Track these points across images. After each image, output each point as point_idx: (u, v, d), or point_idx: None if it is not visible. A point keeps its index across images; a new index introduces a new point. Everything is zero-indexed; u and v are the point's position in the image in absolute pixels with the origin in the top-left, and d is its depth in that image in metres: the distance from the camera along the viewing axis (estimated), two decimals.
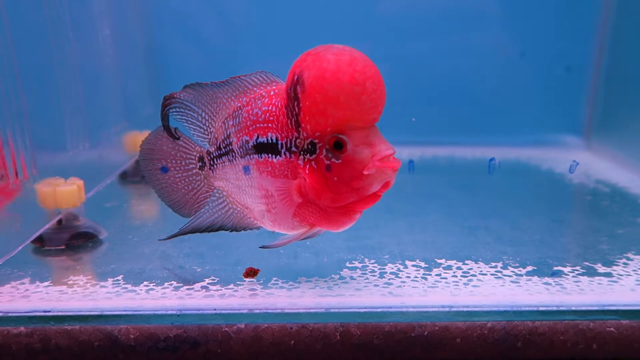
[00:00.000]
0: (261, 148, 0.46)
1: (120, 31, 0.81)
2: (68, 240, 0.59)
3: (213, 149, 0.50)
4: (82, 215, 0.61)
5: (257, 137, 0.46)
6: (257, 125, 0.46)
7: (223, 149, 0.49)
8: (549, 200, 0.78)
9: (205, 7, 1.01)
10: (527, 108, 1.03)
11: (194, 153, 0.52)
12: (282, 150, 0.45)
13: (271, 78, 0.48)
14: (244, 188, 0.49)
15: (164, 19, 1.00)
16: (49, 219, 0.58)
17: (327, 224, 0.48)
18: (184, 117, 0.50)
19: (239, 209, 0.52)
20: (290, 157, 0.45)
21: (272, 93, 0.46)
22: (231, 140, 0.48)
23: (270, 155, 0.46)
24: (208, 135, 0.50)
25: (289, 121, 0.44)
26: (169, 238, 0.54)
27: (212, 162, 0.51)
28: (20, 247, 0.52)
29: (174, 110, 0.50)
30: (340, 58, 0.41)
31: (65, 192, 0.58)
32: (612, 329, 0.46)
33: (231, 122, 0.48)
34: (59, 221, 0.60)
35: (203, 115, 0.50)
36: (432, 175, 0.90)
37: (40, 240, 0.58)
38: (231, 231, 0.53)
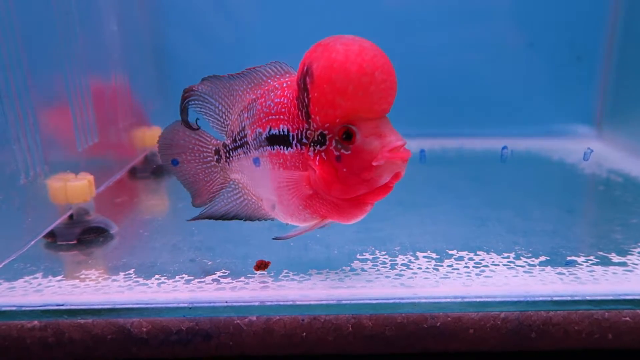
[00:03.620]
0: (273, 140, 0.46)
1: (128, 27, 0.81)
2: (79, 235, 0.59)
3: (229, 141, 0.50)
4: (92, 210, 0.62)
5: (270, 129, 0.46)
6: (270, 117, 0.46)
7: (238, 142, 0.49)
8: (561, 190, 0.77)
9: (213, 2, 1.01)
10: (538, 98, 1.02)
11: (210, 146, 0.52)
12: (294, 142, 0.45)
13: (285, 69, 0.48)
14: (257, 180, 0.50)
15: (171, 15, 1.00)
16: (61, 214, 0.59)
17: (338, 216, 0.48)
18: (202, 110, 0.51)
19: (253, 200, 0.52)
20: (301, 148, 0.44)
21: (284, 85, 0.46)
22: (246, 132, 0.48)
23: (282, 147, 0.46)
24: (225, 127, 0.50)
25: (299, 113, 0.44)
26: (193, 219, 0.54)
27: (228, 155, 0.51)
28: (33, 242, 0.52)
29: (192, 102, 0.50)
30: (349, 48, 0.41)
31: (76, 187, 0.58)
32: (627, 318, 0.45)
33: (246, 115, 0.48)
34: (70, 216, 0.60)
35: (220, 107, 0.50)
36: (441, 166, 0.89)
37: (52, 235, 0.59)
38: (245, 220, 0.53)
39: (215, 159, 0.52)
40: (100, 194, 0.67)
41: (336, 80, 0.40)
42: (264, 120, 0.46)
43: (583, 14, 0.97)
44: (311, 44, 1.19)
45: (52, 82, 0.60)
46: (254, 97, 0.48)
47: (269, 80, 0.48)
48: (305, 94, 0.42)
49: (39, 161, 0.54)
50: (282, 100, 0.45)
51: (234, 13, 1.02)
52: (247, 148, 0.49)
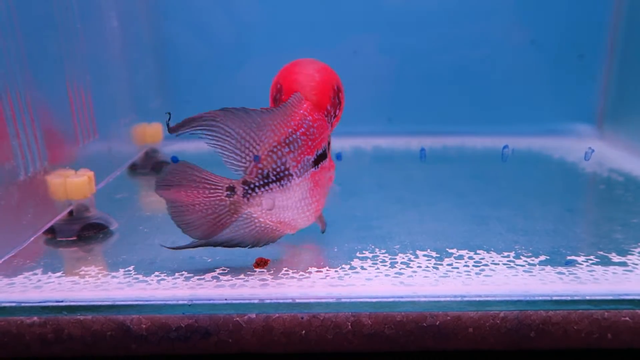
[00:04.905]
0: (318, 160, 0.52)
1: (128, 23, 0.81)
2: (79, 232, 0.59)
3: (255, 178, 0.50)
4: (92, 206, 0.62)
5: (317, 152, 0.52)
6: (315, 141, 0.51)
7: (273, 177, 0.50)
8: (562, 189, 0.77)
9: (212, 1, 1.01)
10: (539, 96, 1.02)
11: (221, 184, 0.50)
12: (328, 152, 0.53)
13: (299, 96, 0.51)
14: (291, 204, 0.51)
15: (171, 11, 1.00)
16: (60, 210, 0.59)
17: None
18: (218, 143, 0.49)
19: (269, 226, 0.52)
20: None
21: (309, 109, 0.51)
22: (288, 165, 0.50)
23: (323, 161, 0.53)
24: (245, 163, 0.49)
25: (329, 125, 0.53)
26: (176, 249, 0.53)
27: (249, 191, 0.50)
28: (32, 239, 0.52)
29: (208, 133, 0.48)
30: None
31: (75, 184, 0.58)
32: (627, 318, 0.45)
33: (287, 149, 0.50)
34: (70, 212, 0.60)
35: (244, 143, 0.49)
36: (442, 165, 0.89)
37: (51, 232, 0.59)
38: (249, 247, 0.52)
39: (225, 195, 0.50)
40: (100, 190, 0.67)
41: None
42: (311, 147, 0.51)
43: (585, 12, 0.97)
44: (310, 41, 1.18)
45: (52, 78, 0.60)
46: (290, 130, 0.49)
47: (296, 110, 0.50)
48: (338, 107, 0.54)
49: (38, 157, 0.54)
50: (317, 122, 0.51)
51: (235, 9, 1.02)
52: (286, 180, 0.50)
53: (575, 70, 0.99)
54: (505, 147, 0.53)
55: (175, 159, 0.53)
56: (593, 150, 0.49)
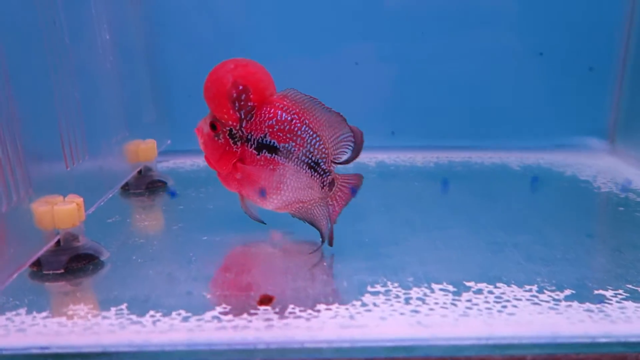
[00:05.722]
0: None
1: (120, 35, 0.77)
2: (67, 263, 0.55)
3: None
4: (82, 234, 0.57)
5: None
6: None
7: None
8: (578, 210, 0.73)
9: (207, 11, 0.97)
10: (547, 110, 0.98)
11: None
12: None
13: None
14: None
15: (165, 23, 0.96)
16: (47, 241, 0.54)
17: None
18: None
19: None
20: None
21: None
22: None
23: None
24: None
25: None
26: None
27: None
28: (15, 275, 0.48)
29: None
30: None
31: (63, 212, 0.54)
32: None
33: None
34: (57, 242, 0.55)
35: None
36: (450, 182, 0.85)
37: (37, 264, 0.54)
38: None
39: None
40: (90, 215, 0.63)
41: None
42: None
43: (596, 23, 0.94)
44: (309, 51, 1.14)
45: (38, 96, 0.55)
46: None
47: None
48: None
49: (23, 184, 0.50)
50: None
51: (229, 22, 0.98)
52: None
53: (585, 83, 0.96)
54: (535, 180, 0.50)
55: (173, 194, 0.49)
56: (630, 182, 0.46)
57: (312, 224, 0.60)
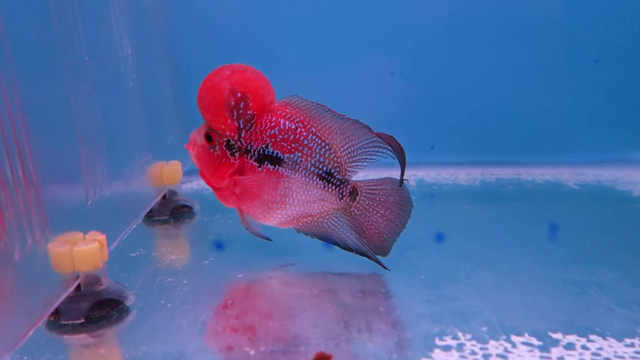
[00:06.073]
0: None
1: (142, 51, 0.71)
2: (88, 311, 0.48)
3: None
4: (105, 276, 0.51)
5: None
6: None
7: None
8: None
9: (233, 25, 0.91)
10: (604, 121, 0.90)
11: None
12: None
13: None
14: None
15: (188, 39, 0.90)
16: (66, 286, 0.48)
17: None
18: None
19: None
20: None
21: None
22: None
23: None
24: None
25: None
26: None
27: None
28: (31, 332, 0.42)
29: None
30: None
31: (84, 253, 0.48)
32: None
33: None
34: (78, 287, 0.49)
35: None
36: (500, 204, 0.77)
37: (55, 312, 0.48)
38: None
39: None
40: (112, 250, 0.56)
41: None
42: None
43: None
44: (342, 61, 1.04)
45: (55, 120, 0.49)
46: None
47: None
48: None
49: (39, 225, 0.44)
50: None
51: (258, 30, 0.92)
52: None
53: None
54: (554, 229, 0.42)
55: (219, 247, 0.43)
56: None
57: (322, 238, 0.56)
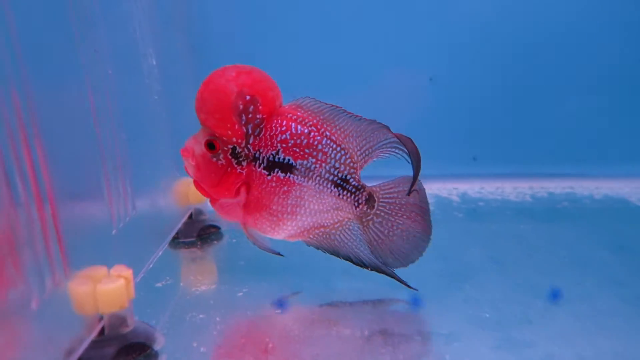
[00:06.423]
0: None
1: (167, 62, 0.65)
2: (114, 358, 0.43)
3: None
4: (130, 316, 0.45)
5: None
6: None
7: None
8: None
9: (258, 38, 0.85)
10: None
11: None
12: None
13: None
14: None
15: (214, 46, 0.85)
16: (88, 330, 0.43)
17: None
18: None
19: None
20: None
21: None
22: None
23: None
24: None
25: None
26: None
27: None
28: None
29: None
30: None
31: (109, 292, 0.42)
32: None
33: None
34: (102, 330, 0.44)
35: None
36: (559, 224, 0.70)
37: None
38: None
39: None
40: (138, 283, 0.51)
41: None
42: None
43: None
44: (377, 65, 0.95)
45: (77, 142, 0.44)
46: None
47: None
48: None
49: (58, 265, 0.38)
50: None
51: (285, 43, 0.86)
52: None
53: None
54: (556, 294, 0.39)
55: (281, 305, 0.37)
56: None
57: (334, 252, 0.52)
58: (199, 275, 0.60)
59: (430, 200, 0.82)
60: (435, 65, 0.86)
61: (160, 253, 0.58)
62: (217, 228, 0.72)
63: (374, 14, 0.84)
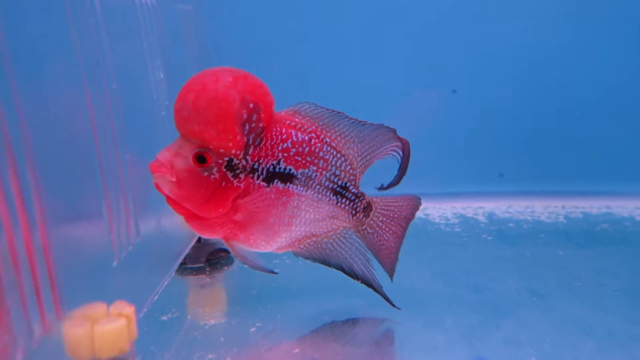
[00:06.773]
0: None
1: (177, 74, 0.61)
2: None
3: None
4: (133, 359, 0.41)
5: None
6: None
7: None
8: None
9: (272, 51, 0.82)
10: None
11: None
12: None
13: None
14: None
15: (224, 57, 0.81)
16: None
17: None
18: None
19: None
20: None
21: None
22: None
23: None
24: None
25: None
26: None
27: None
28: None
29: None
30: None
31: (108, 334, 0.38)
32: None
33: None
34: None
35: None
36: (601, 249, 0.64)
37: None
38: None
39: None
40: (140, 318, 0.46)
41: None
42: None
43: None
44: (399, 77, 0.89)
45: (76, 167, 0.40)
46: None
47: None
48: None
49: (49, 307, 0.34)
50: None
51: (300, 53, 0.83)
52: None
53: None
54: None
55: None
56: None
57: (324, 262, 0.50)
58: (208, 307, 0.55)
59: (455, 221, 0.77)
60: (459, 77, 0.81)
61: (166, 282, 0.54)
62: (227, 252, 0.67)
63: (397, 26, 0.80)
